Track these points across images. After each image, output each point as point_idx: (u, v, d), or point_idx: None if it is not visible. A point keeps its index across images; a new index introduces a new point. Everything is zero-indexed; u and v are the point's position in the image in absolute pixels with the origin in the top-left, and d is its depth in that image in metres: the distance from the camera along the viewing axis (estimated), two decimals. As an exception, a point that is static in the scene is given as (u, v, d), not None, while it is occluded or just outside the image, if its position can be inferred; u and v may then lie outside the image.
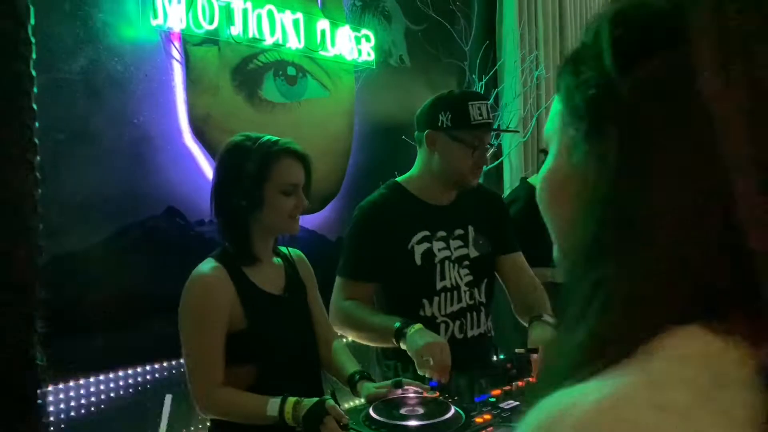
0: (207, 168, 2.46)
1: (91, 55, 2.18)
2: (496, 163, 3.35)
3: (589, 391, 0.36)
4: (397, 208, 1.84)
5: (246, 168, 1.53)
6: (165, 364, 2.31)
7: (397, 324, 1.67)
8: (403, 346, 1.66)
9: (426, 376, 1.60)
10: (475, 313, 1.88)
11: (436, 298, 1.82)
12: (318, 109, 2.77)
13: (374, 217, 1.83)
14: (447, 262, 1.85)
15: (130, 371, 2.23)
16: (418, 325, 1.66)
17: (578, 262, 0.43)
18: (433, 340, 1.61)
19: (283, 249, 1.74)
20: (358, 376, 1.64)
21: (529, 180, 2.99)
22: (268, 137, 1.59)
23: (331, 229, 2.87)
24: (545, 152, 2.41)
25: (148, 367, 2.27)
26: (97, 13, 2.19)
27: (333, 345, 1.79)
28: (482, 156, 1.81)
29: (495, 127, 1.94)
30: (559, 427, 0.35)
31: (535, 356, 1.67)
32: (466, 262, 1.88)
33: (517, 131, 2.90)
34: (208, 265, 1.54)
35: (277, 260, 1.68)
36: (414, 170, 1.90)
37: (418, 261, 1.81)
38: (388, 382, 1.59)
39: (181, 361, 2.18)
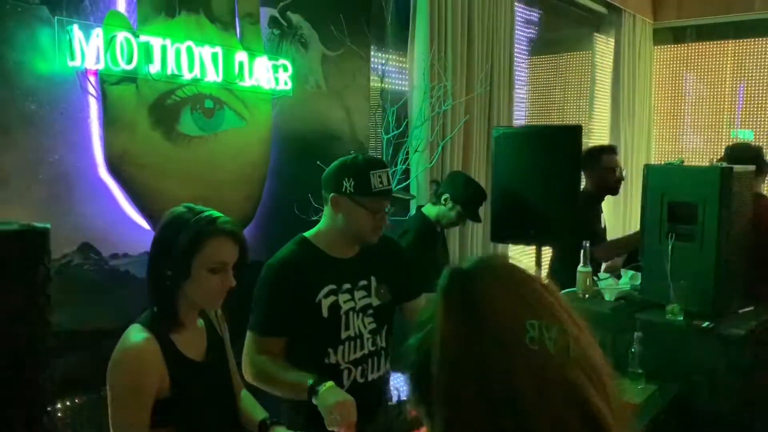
0: (123, 201, 2.50)
1: (4, 95, 2.16)
2: (403, 185, 3.55)
3: None
4: (305, 264, 1.98)
5: (178, 240, 1.59)
6: (75, 401, 2.37)
7: (310, 381, 1.81)
8: (314, 402, 1.83)
9: (335, 431, 1.79)
10: (376, 358, 2.07)
11: (340, 347, 1.98)
12: (235, 139, 2.84)
13: (283, 275, 1.96)
14: (351, 312, 2.00)
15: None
16: (330, 383, 1.82)
17: None
18: (342, 398, 1.79)
19: None
20: (268, 422, 1.81)
21: (423, 209, 3.20)
22: (209, 213, 1.64)
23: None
24: (437, 183, 2.68)
25: (58, 405, 2.32)
26: (10, 53, 2.16)
27: (242, 393, 1.94)
28: (382, 218, 1.99)
29: (393, 190, 2.10)
30: None
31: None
32: (370, 311, 2.05)
33: (413, 196, 3.13)
34: (139, 336, 1.60)
35: (200, 322, 1.78)
36: (321, 225, 2.06)
37: (325, 313, 1.96)
38: None
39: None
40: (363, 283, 2.05)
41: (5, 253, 0.57)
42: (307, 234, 2.07)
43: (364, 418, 1.79)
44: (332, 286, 1.98)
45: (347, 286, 2.01)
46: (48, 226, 0.64)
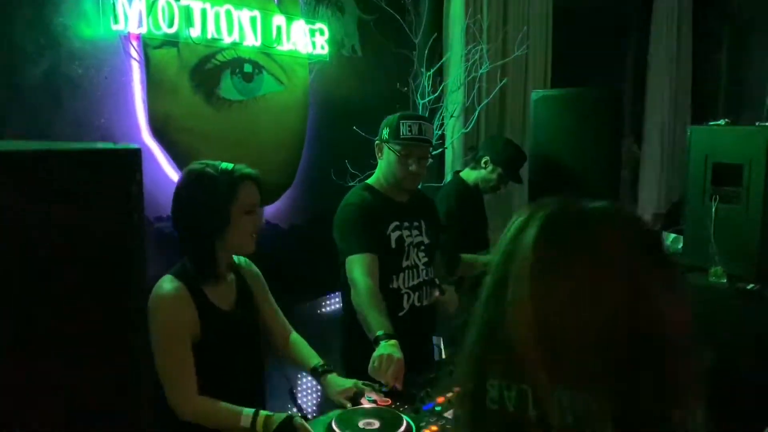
0: (166, 165, 2.54)
1: (52, 59, 2.20)
2: (438, 151, 3.53)
3: None
4: (374, 204, 2.25)
5: (215, 192, 1.71)
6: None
7: (380, 332, 1.93)
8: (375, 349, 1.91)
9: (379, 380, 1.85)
10: (428, 287, 2.35)
11: (401, 274, 2.25)
12: (273, 104, 2.86)
13: (361, 211, 2.22)
14: (411, 246, 2.28)
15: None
16: (393, 341, 1.90)
17: None
18: (387, 352, 1.85)
19: (234, 258, 1.92)
20: (321, 369, 1.88)
21: (461, 174, 3.19)
22: (225, 165, 1.77)
23: (284, 219, 3.01)
24: (473, 149, 2.76)
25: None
26: (57, 18, 2.19)
27: (291, 337, 2.00)
28: (413, 165, 2.21)
29: (432, 142, 2.33)
30: None
31: (437, 293, 2.36)
32: (422, 247, 2.33)
33: (445, 147, 3.16)
34: (170, 284, 1.71)
35: (231, 276, 1.87)
36: (377, 173, 2.32)
37: (393, 245, 2.23)
38: (350, 382, 1.83)
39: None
40: (416, 223, 2.33)
41: (102, 167, 0.58)
42: (369, 181, 2.35)
43: (421, 340, 2.31)
44: (397, 223, 2.26)
45: (406, 223, 2.29)
46: (139, 147, 0.64)
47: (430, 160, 2.45)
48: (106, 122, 2.35)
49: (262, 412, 1.64)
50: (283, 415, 1.64)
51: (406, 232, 2.28)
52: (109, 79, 2.35)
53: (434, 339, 2.58)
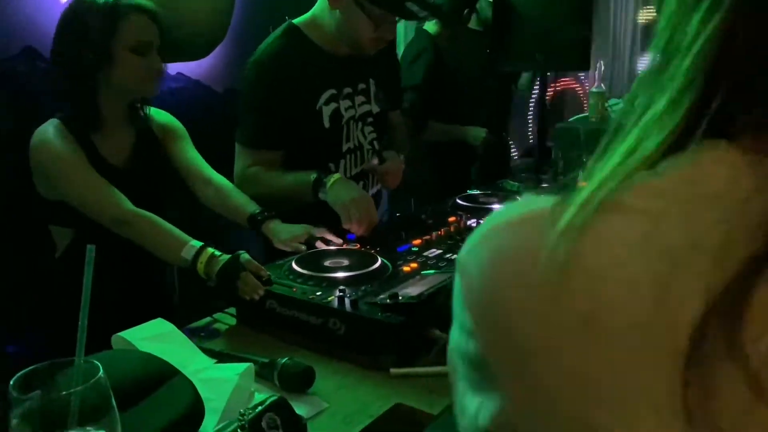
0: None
1: None
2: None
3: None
4: (300, 61, 1.64)
5: (91, 20, 1.47)
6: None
7: (314, 176, 1.60)
8: (322, 197, 1.59)
9: (349, 229, 1.56)
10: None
11: (342, 161, 1.74)
12: (196, -64, 2.40)
13: (275, 74, 1.63)
14: (351, 121, 1.74)
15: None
16: (337, 175, 1.60)
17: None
18: (359, 195, 1.57)
19: (151, 111, 1.65)
20: (260, 216, 1.57)
21: (425, 28, 2.83)
22: None
23: (218, 79, 2.62)
24: None
25: None
26: None
27: (220, 186, 1.64)
28: (386, 31, 1.63)
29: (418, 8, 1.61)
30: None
31: (375, 162, 1.78)
32: (370, 119, 1.80)
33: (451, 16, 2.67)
34: (55, 127, 1.49)
35: (132, 128, 1.61)
36: (315, 11, 1.69)
37: (326, 123, 1.69)
38: (300, 227, 1.52)
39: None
40: (362, 86, 1.77)
41: None
42: (297, 21, 1.70)
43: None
44: (333, 91, 1.69)
45: (348, 90, 1.73)
46: None
47: None
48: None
49: (210, 249, 1.34)
50: (227, 256, 1.33)
51: (345, 103, 1.70)
52: None
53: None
